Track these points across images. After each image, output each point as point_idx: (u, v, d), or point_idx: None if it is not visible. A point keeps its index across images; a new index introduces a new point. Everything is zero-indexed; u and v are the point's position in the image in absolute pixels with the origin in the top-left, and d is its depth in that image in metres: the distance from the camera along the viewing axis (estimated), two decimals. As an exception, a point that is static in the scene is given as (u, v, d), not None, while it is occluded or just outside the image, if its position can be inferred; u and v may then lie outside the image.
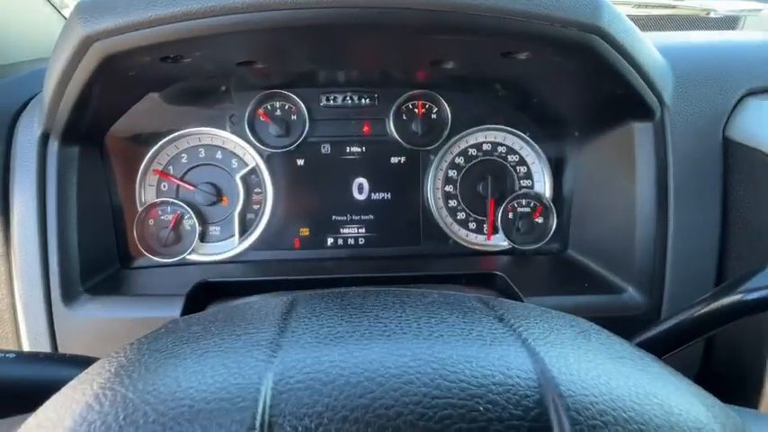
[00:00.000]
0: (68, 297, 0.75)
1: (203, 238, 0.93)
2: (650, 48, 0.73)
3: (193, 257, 0.92)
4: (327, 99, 0.94)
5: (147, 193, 0.92)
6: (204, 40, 0.61)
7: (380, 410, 0.22)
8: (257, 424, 0.21)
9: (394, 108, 0.95)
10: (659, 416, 0.24)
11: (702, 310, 0.51)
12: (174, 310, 0.73)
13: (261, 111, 0.93)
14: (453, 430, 0.22)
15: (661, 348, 0.52)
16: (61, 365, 0.46)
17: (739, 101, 0.77)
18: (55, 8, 1.13)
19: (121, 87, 0.76)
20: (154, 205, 0.91)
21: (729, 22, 1.48)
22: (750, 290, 0.48)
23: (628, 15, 0.71)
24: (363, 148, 0.96)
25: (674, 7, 1.40)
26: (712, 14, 1.41)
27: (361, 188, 0.96)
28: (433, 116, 0.96)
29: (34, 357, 0.46)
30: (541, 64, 0.75)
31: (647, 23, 1.42)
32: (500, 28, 0.64)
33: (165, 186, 0.93)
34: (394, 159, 0.97)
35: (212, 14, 0.58)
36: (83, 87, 0.65)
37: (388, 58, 0.82)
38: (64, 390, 0.28)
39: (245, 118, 0.92)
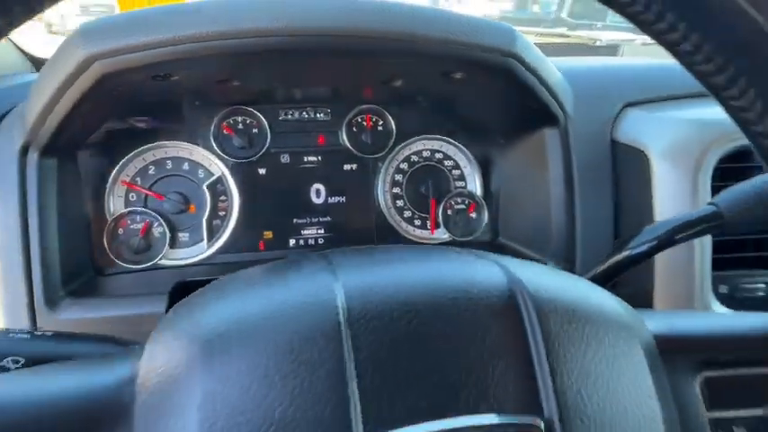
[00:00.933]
0: (51, 301, 0.78)
1: (173, 244, 0.99)
2: (554, 69, 0.92)
3: (164, 262, 0.98)
4: (286, 114, 1.05)
5: (116, 204, 0.96)
6: (193, 61, 0.71)
7: (413, 296, 0.34)
8: (340, 310, 0.33)
9: (345, 122, 1.07)
10: (589, 300, 0.38)
11: (603, 267, 0.68)
12: (157, 306, 0.79)
13: (225, 125, 1.02)
14: (459, 308, 0.34)
15: None
16: (97, 344, 0.52)
17: (621, 110, 0.98)
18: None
19: (109, 105, 0.82)
20: (123, 215, 0.96)
21: (611, 50, 1.80)
22: (634, 246, 0.66)
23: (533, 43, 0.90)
24: (319, 158, 1.07)
25: (567, 37, 1.69)
26: (598, 43, 1.71)
27: (318, 193, 1.07)
28: (380, 128, 1.09)
29: (73, 336, 0.51)
30: (472, 82, 0.92)
31: (546, 50, 1.68)
32: (438, 53, 0.79)
33: (133, 197, 0.98)
34: (347, 166, 1.09)
35: (204, 40, 0.67)
36: (74, 104, 0.71)
37: (345, 78, 0.95)
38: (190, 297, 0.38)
39: (211, 131, 1.00)
